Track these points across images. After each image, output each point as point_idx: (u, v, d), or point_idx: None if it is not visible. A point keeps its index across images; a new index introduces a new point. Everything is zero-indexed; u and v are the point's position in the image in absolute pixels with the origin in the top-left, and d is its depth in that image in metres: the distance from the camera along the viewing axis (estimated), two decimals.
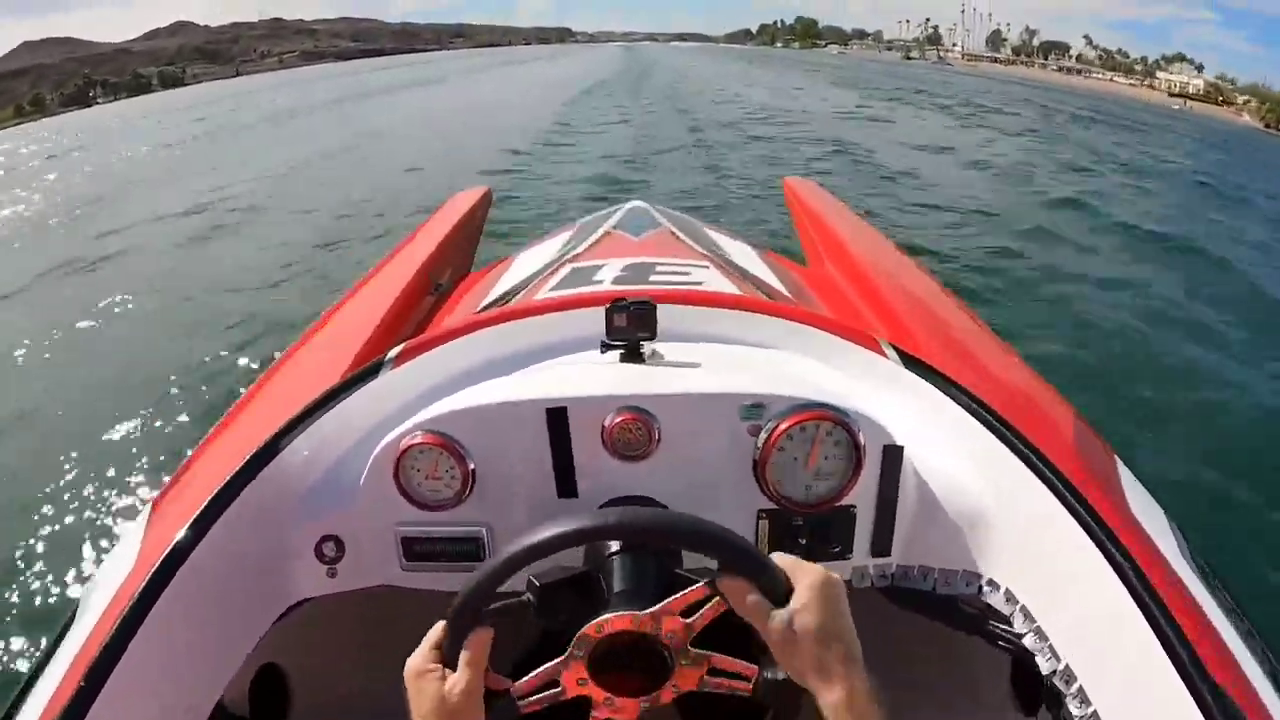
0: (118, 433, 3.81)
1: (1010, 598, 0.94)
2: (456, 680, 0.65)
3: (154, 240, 7.76)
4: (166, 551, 0.88)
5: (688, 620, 0.65)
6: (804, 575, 0.65)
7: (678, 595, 0.66)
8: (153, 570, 0.86)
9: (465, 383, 1.08)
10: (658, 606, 0.66)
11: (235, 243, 7.39)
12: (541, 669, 0.67)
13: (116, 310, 5.66)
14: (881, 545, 0.98)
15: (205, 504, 0.92)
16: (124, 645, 0.81)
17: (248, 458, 0.98)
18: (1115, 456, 1.08)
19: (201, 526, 0.91)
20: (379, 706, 1.27)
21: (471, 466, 0.96)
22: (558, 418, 0.95)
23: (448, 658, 0.67)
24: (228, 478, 0.96)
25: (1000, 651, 0.99)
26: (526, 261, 2.08)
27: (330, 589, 1.03)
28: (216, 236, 7.69)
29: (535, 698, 0.67)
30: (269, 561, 1.00)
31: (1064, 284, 5.60)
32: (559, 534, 0.66)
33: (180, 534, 0.90)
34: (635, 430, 0.94)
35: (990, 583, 0.97)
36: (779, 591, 0.64)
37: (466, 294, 2.03)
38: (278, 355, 1.60)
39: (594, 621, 0.66)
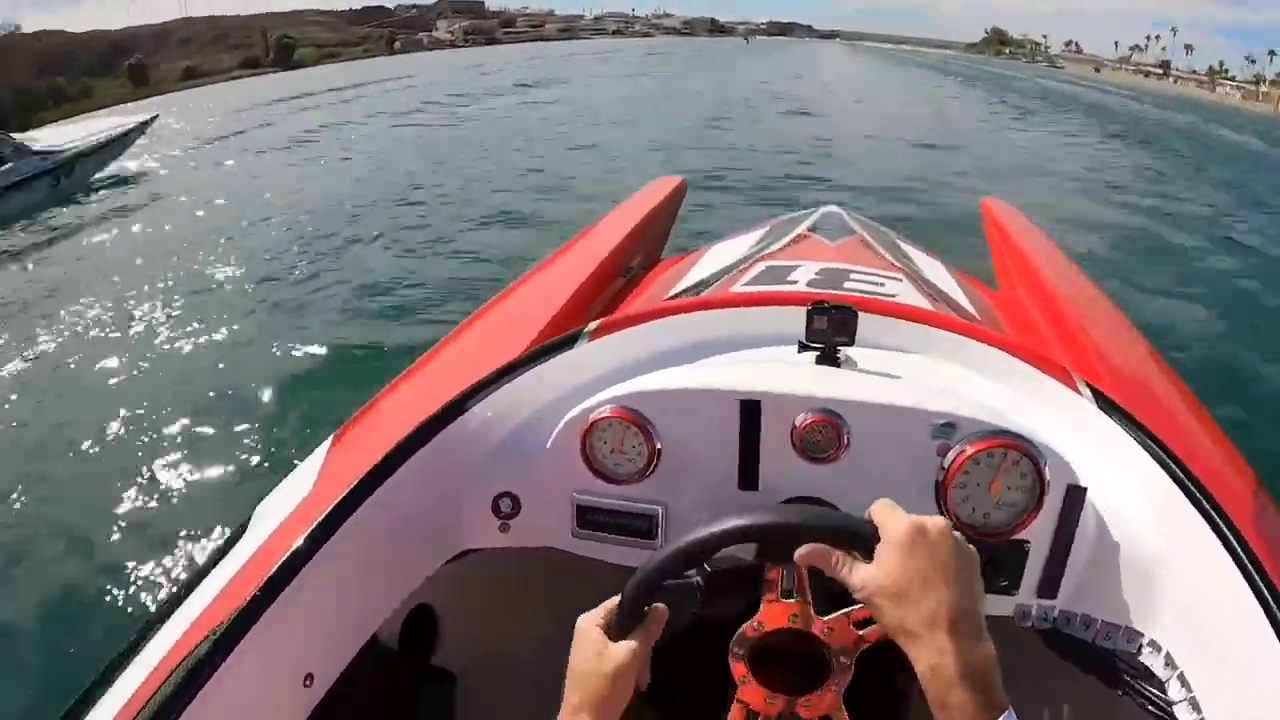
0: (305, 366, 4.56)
1: (1170, 663, 0.93)
2: (620, 648, 0.70)
3: None
4: (350, 487, 0.98)
5: (861, 632, 0.71)
6: (890, 524, 0.66)
7: (856, 608, 0.71)
8: (335, 503, 0.96)
9: (660, 364, 1.15)
10: (834, 615, 0.71)
11: None
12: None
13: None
14: (1049, 586, 0.99)
15: (393, 447, 1.03)
16: (295, 570, 0.90)
17: (441, 406, 1.09)
18: None
19: (386, 468, 1.01)
20: (523, 661, 1.36)
21: (658, 446, 1.03)
22: (751, 410, 1.00)
23: (617, 626, 0.72)
24: (417, 426, 1.06)
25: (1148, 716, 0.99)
26: (720, 254, 2.21)
27: (500, 543, 1.13)
28: None
29: None
30: (446, 509, 1.10)
31: None
32: (726, 530, 0.72)
33: (364, 473, 1.00)
34: (824, 432, 0.99)
35: (1152, 644, 0.95)
36: (865, 546, 0.67)
37: (658, 279, 2.18)
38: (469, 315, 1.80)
39: (753, 620, 0.72)
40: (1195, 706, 0.89)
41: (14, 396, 4.48)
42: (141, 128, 11.86)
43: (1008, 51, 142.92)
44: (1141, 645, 0.96)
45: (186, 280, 6.25)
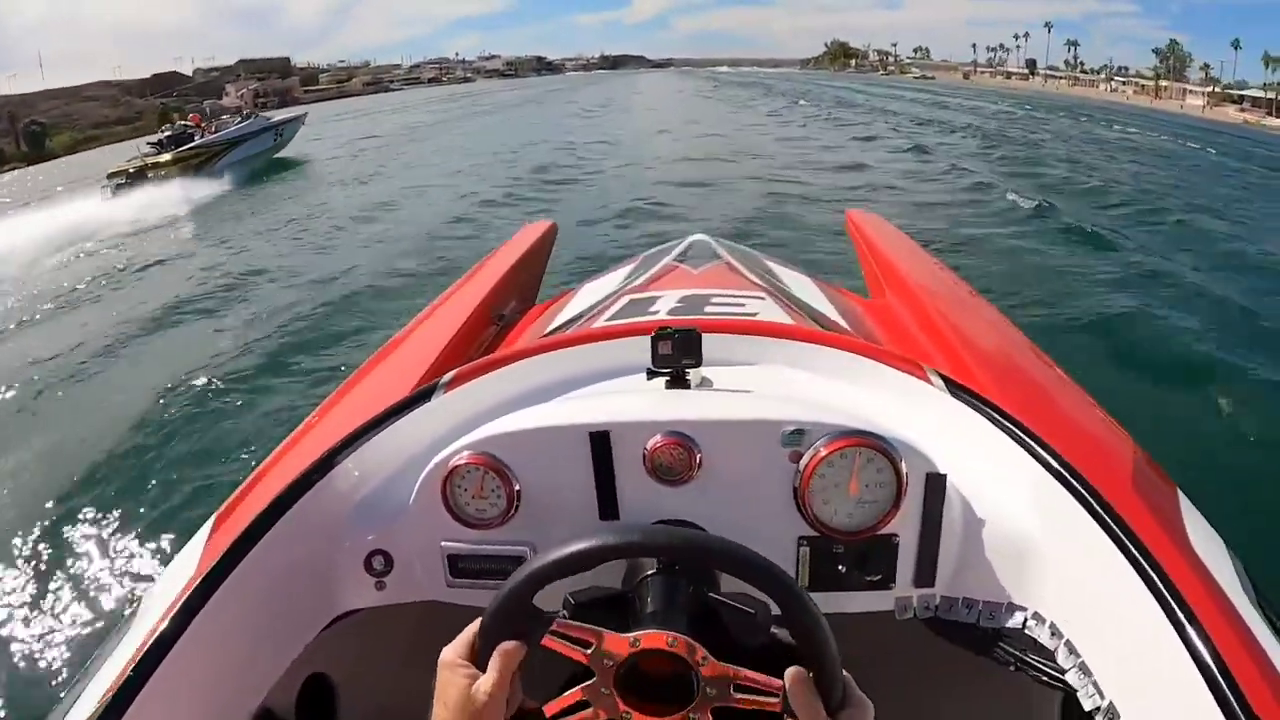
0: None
1: (1055, 632, 1.06)
2: (484, 682, 0.77)
3: None
4: (219, 556, 1.06)
5: (733, 684, 0.76)
6: (861, 705, 0.77)
7: (750, 672, 0.75)
8: (205, 573, 1.04)
9: (515, 407, 1.27)
10: (727, 666, 0.76)
11: None
12: (572, 690, 0.78)
13: None
14: (925, 575, 1.11)
15: (260, 513, 1.12)
16: (171, 643, 0.96)
17: (302, 472, 1.19)
18: (1177, 490, 1.22)
19: (254, 535, 1.10)
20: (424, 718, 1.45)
21: (517, 487, 1.13)
22: (601, 441, 1.11)
23: (479, 657, 0.80)
24: (282, 490, 1.16)
25: (1052, 688, 1.10)
26: (589, 293, 2.42)
27: (377, 601, 1.22)
28: None
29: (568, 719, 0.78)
30: (319, 572, 1.19)
31: None
32: (617, 544, 0.80)
33: (233, 540, 1.08)
34: (676, 455, 1.10)
35: (1036, 616, 1.08)
36: (834, 701, 0.75)
37: (530, 324, 2.36)
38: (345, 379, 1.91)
39: (624, 636, 0.77)
40: (1085, 670, 1.01)
41: None
42: (302, 118, 24.66)
43: (853, 64, 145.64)
44: (1026, 619, 1.09)
45: None
